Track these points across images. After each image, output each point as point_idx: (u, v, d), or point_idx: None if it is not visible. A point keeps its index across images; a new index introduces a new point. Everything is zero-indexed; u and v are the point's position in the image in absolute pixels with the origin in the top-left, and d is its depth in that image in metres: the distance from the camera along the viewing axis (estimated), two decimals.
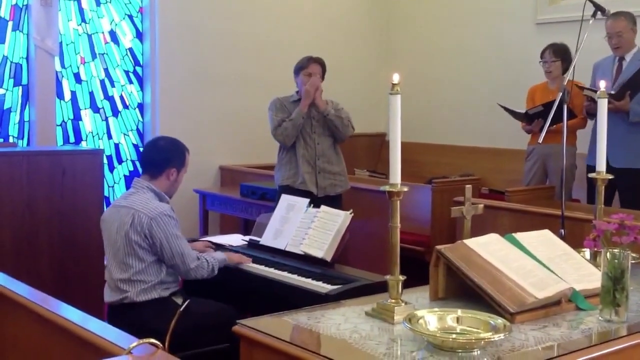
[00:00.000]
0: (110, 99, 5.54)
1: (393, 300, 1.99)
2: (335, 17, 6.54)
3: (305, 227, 3.28)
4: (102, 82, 5.49)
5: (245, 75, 5.97)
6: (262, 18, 6.07)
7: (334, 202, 3.99)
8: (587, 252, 2.48)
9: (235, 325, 1.94)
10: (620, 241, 1.96)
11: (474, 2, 6.24)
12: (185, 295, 3.12)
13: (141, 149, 5.44)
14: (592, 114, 4.46)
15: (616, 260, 1.93)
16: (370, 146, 6.37)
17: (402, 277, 2.01)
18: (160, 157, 3.24)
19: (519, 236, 2.26)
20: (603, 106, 2.38)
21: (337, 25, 6.52)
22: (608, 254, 1.95)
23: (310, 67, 4.25)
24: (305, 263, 3.17)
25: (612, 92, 4.29)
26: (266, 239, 3.43)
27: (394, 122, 2.00)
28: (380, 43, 6.84)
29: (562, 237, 2.80)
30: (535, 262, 2.15)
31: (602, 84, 2.43)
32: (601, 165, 2.40)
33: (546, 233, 2.35)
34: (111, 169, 5.56)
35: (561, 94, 3.30)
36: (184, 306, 2.73)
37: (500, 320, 1.81)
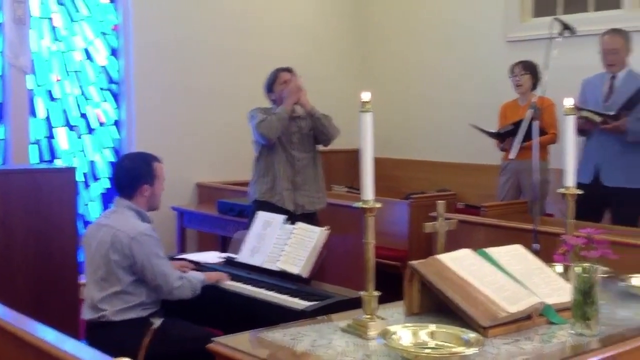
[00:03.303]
0: (85, 116, 5.53)
1: (368, 316, 2.01)
2: (313, 34, 6.60)
3: (281, 244, 3.29)
4: (76, 99, 5.48)
5: (222, 91, 5.99)
6: (239, 34, 6.10)
7: (310, 218, 3.97)
8: (559, 266, 2.52)
9: (211, 343, 1.94)
10: (588, 255, 2.00)
11: (447, 20, 6.33)
12: (164, 316, 3.10)
13: None
14: (585, 132, 4.50)
15: (585, 275, 1.97)
16: (348, 162, 6.40)
17: (376, 293, 2.03)
18: (128, 178, 3.19)
19: (491, 251, 2.29)
20: (570, 123, 2.42)
21: (314, 42, 6.58)
22: (577, 268, 1.98)
23: (281, 76, 4.19)
24: (282, 280, 3.18)
25: (613, 113, 4.34)
26: (243, 256, 3.43)
27: (365, 139, 2.02)
28: (357, 59, 6.91)
29: (536, 252, 2.85)
30: (507, 276, 2.18)
31: (570, 101, 2.48)
32: (569, 180, 2.44)
33: (518, 248, 2.39)
34: (87, 186, 5.53)
35: (531, 111, 3.35)
36: (157, 325, 2.71)
37: (473, 335, 1.84)
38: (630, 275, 2.48)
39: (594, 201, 4.36)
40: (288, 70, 4.23)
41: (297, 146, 4.16)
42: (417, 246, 4.75)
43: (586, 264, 1.98)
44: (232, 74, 6.03)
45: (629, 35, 4.52)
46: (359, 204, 2.02)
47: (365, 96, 2.03)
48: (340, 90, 6.43)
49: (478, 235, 3.91)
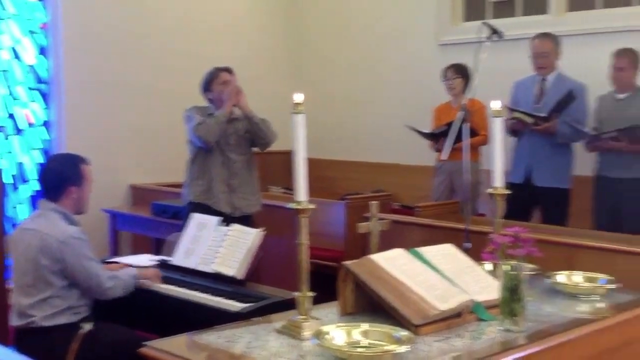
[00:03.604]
0: (12, 117, 5.35)
1: (302, 317, 2.02)
2: (246, 35, 6.58)
3: (216, 246, 3.26)
4: (4, 99, 5.30)
5: (155, 91, 5.90)
6: (173, 34, 6.03)
7: (246, 221, 3.95)
8: (489, 265, 2.59)
9: (142, 347, 1.92)
10: (514, 253, 2.06)
11: (380, 23, 6.41)
12: (95, 321, 3.04)
13: None
14: (516, 132, 4.63)
15: (512, 272, 2.03)
16: (284, 163, 6.36)
17: (310, 294, 2.04)
18: (54, 180, 3.10)
19: (423, 250, 2.33)
20: (497, 125, 2.49)
21: (247, 43, 6.55)
22: (504, 266, 2.04)
23: (221, 75, 4.13)
24: (217, 282, 3.16)
25: (544, 115, 4.47)
26: (177, 259, 3.39)
27: (298, 140, 2.03)
28: (291, 61, 6.92)
29: (468, 251, 2.91)
30: (438, 275, 2.23)
31: (498, 103, 2.55)
32: (497, 181, 2.50)
33: (449, 247, 2.44)
34: (15, 188, 5.35)
35: (461, 112, 3.43)
36: (86, 329, 2.65)
37: (404, 333, 1.87)
38: (556, 273, 2.57)
39: (525, 200, 4.50)
40: (227, 70, 4.18)
41: (234, 148, 4.13)
42: (353, 247, 4.78)
43: (513, 262, 2.04)
44: (165, 74, 5.95)
45: (558, 39, 4.67)
46: (292, 205, 2.03)
47: (298, 98, 2.03)
48: (274, 91, 6.43)
49: (412, 235, 3.97)
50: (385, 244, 2.49)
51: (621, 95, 4.49)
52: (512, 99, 4.74)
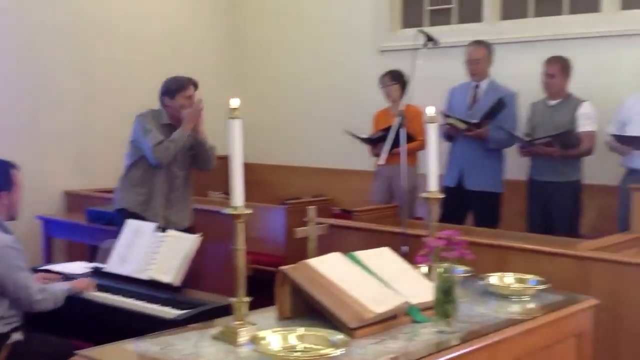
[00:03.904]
0: None
1: (238, 322, 2.01)
2: (187, 41, 6.51)
3: (152, 252, 3.22)
4: None
5: (91, 96, 5.78)
6: (110, 39, 5.92)
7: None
8: (425, 267, 2.63)
9: (74, 356, 1.87)
10: (448, 256, 2.10)
11: (320, 29, 6.45)
12: (27, 331, 2.95)
13: None
14: (450, 137, 4.72)
15: (445, 274, 2.06)
16: (224, 168, 6.34)
17: (247, 299, 2.03)
18: None
19: (360, 254, 2.35)
20: (432, 130, 2.54)
21: (188, 48, 6.48)
22: (437, 268, 2.08)
23: (189, 89, 4.02)
24: (153, 289, 3.11)
25: (476, 121, 4.58)
26: (111, 266, 3.33)
27: (234, 146, 2.02)
28: (232, 66, 6.89)
29: (405, 254, 2.95)
30: (374, 278, 2.25)
31: (432, 109, 2.59)
32: (432, 185, 2.55)
33: (385, 250, 2.47)
34: None
35: (398, 118, 3.48)
36: (14, 340, 2.58)
37: (340, 336, 1.88)
38: (488, 274, 2.62)
39: (459, 204, 4.60)
40: (195, 84, 4.07)
41: (178, 163, 4.08)
42: (294, 251, 4.77)
43: (446, 264, 2.08)
44: (101, 78, 5.83)
45: (492, 47, 4.80)
46: (228, 211, 2.02)
47: (234, 103, 2.03)
48: (214, 97, 6.36)
49: (351, 239, 4.00)
50: (325, 249, 2.50)
51: (552, 102, 4.64)
52: (447, 105, 4.85)
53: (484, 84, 4.79)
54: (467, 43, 4.84)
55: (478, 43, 4.79)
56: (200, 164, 4.14)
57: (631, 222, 3.94)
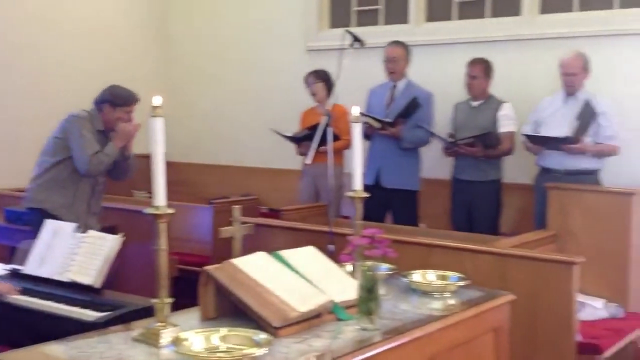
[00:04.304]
0: None
1: (160, 324, 1.98)
2: (113, 36, 6.38)
3: (72, 253, 3.12)
4: None
5: (9, 91, 5.56)
6: (38, 36, 5.73)
7: None
8: (350, 266, 2.65)
9: None
10: (371, 254, 2.13)
11: (249, 28, 6.43)
12: None
13: None
14: (368, 137, 4.78)
15: (368, 272, 2.09)
16: (149, 167, 6.24)
17: (169, 300, 2.01)
18: None
19: (285, 253, 2.35)
20: (356, 130, 2.56)
21: (113, 45, 6.35)
22: (361, 266, 2.10)
23: (133, 106, 3.95)
24: (73, 291, 3.02)
25: (390, 120, 4.65)
26: (30, 267, 3.22)
27: (157, 144, 1.99)
28: (159, 65, 6.79)
29: (332, 253, 2.97)
30: (299, 277, 2.26)
31: (356, 109, 2.62)
32: (357, 184, 2.58)
33: (311, 249, 2.48)
34: None
35: (324, 117, 3.50)
36: None
37: (263, 336, 1.88)
38: (412, 272, 2.67)
39: (377, 202, 4.65)
40: (138, 101, 3.98)
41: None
42: (221, 251, 4.71)
43: (369, 262, 2.10)
44: (21, 73, 5.63)
45: (409, 47, 4.90)
46: (150, 210, 1.99)
47: (156, 101, 1.99)
48: (141, 95, 6.28)
49: (278, 239, 3.99)
50: (252, 248, 2.49)
51: (475, 103, 4.76)
52: (366, 105, 4.92)
53: (401, 85, 4.88)
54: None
55: (396, 43, 4.88)
56: (117, 175, 4.12)
57: (547, 220, 4.10)
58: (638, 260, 3.97)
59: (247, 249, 2.66)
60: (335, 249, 3.18)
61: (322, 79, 5.12)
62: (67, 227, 3.26)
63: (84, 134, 3.87)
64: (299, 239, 3.87)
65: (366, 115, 4.69)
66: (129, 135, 3.93)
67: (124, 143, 3.93)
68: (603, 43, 4.76)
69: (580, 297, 3.61)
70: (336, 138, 4.48)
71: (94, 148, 3.85)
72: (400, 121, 4.67)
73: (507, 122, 4.67)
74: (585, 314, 3.66)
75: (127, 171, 4.09)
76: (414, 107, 4.63)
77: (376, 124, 4.70)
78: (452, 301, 2.45)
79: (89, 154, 3.83)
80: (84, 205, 3.98)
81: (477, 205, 4.64)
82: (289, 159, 5.61)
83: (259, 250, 2.33)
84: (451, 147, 4.71)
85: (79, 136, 3.87)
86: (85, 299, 2.94)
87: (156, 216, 1.99)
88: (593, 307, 3.73)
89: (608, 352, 3.36)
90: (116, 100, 3.94)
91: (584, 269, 3.18)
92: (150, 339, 1.95)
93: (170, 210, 2.00)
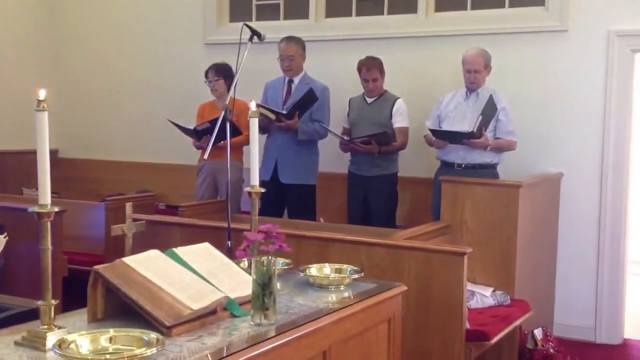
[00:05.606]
0: None
1: (45, 327, 1.90)
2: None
3: None
4: None
5: None
6: None
7: None
8: (246, 262, 2.64)
9: None
10: (266, 249, 2.12)
11: (147, 21, 6.28)
12: None
13: None
14: (264, 130, 4.75)
15: (264, 267, 2.09)
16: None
17: (54, 302, 1.93)
18: None
19: (179, 250, 2.31)
20: (254, 125, 2.55)
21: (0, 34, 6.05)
22: (256, 261, 2.09)
23: None
24: None
25: (285, 112, 4.64)
26: None
27: (42, 139, 1.91)
28: (50, 57, 6.52)
29: (230, 249, 2.95)
30: (193, 274, 2.22)
31: (253, 104, 2.61)
32: (254, 179, 2.57)
33: (206, 246, 2.45)
34: None
35: (224, 112, 3.47)
36: None
37: (153, 335, 1.83)
38: (309, 266, 2.69)
39: (275, 197, 4.66)
40: None
41: None
42: (114, 250, 4.60)
43: (264, 257, 2.10)
44: None
45: (304, 43, 4.91)
46: (34, 209, 1.90)
47: (41, 94, 1.91)
48: (30, 88, 6.01)
49: (175, 235, 3.92)
50: (148, 246, 2.43)
51: (370, 99, 4.85)
52: (262, 98, 4.92)
53: (297, 79, 4.89)
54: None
55: (289, 39, 4.87)
56: None
57: (441, 212, 4.23)
58: (523, 250, 4.16)
59: (144, 247, 2.59)
60: (232, 244, 3.16)
61: (222, 74, 5.03)
62: None
63: None
64: (197, 236, 3.80)
65: (262, 107, 4.67)
66: None
67: None
68: (495, 40, 4.93)
69: (470, 286, 3.76)
70: (236, 133, 4.45)
71: None
72: (295, 112, 4.67)
73: (399, 117, 4.78)
74: (474, 302, 3.82)
75: None
76: (310, 99, 4.64)
77: (272, 116, 4.68)
78: (346, 294, 2.48)
79: None
80: None
81: (373, 199, 4.72)
82: (188, 154, 5.52)
83: (156, 247, 2.28)
84: (348, 144, 4.77)
85: None
86: None
87: (40, 215, 1.91)
88: (482, 295, 3.88)
89: (495, 338, 3.51)
90: None
91: (474, 259, 3.31)
92: (34, 343, 1.87)
93: (55, 209, 1.93)
